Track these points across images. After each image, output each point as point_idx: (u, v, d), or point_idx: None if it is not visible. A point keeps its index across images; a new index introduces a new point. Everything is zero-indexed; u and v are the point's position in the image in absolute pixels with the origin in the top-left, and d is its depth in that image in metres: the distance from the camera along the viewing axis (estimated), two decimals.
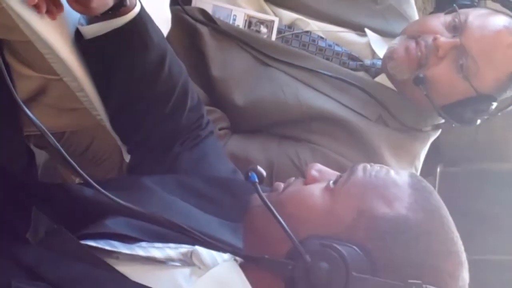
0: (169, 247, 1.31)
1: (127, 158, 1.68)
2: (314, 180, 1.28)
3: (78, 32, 1.47)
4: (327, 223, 1.19)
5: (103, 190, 1.24)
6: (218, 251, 1.28)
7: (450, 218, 1.22)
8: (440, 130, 2.17)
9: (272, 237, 1.21)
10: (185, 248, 1.31)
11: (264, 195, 1.20)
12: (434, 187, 1.24)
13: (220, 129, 2.04)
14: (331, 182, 1.25)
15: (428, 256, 1.16)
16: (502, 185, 3.77)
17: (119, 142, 1.66)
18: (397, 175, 1.24)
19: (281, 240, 1.17)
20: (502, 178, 3.83)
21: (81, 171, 1.22)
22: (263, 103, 2.05)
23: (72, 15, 1.41)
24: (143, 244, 1.32)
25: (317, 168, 1.30)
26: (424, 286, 1.12)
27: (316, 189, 1.25)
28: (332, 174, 1.29)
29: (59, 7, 1.35)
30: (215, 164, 1.65)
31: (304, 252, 1.15)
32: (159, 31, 1.54)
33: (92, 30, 1.45)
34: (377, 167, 1.26)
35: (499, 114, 2.08)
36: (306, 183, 1.29)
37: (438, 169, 4.02)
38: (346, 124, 2.04)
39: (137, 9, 1.45)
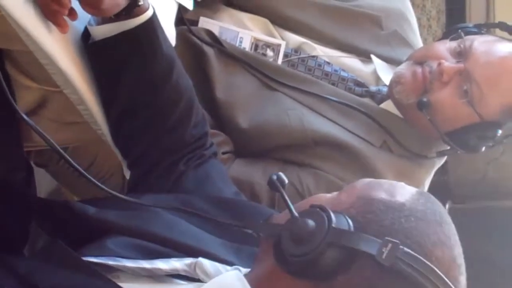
0: (173, 260, 1.31)
1: (127, 174, 1.66)
2: None
3: (87, 33, 1.47)
4: (327, 205, 1.19)
5: (116, 193, 1.27)
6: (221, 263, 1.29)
7: (452, 226, 1.20)
8: (445, 157, 2.15)
9: None
10: (189, 260, 1.30)
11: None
12: None
13: (223, 153, 2.03)
14: None
15: (416, 234, 1.14)
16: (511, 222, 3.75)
17: (120, 157, 1.65)
18: (408, 186, 1.24)
19: None
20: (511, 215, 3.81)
21: (84, 172, 1.24)
22: (267, 126, 2.04)
23: (81, 18, 1.40)
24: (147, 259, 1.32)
25: None
26: (401, 247, 1.09)
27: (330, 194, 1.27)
28: None
29: (73, 15, 1.35)
30: (219, 186, 1.63)
31: (292, 208, 1.16)
32: (168, 41, 1.54)
33: (102, 31, 1.45)
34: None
35: (504, 141, 2.06)
36: None
37: (447, 206, 4.01)
38: (350, 149, 2.03)
39: (149, 12, 1.45)
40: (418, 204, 1.18)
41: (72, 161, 1.22)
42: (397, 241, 1.10)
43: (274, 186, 1.24)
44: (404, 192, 1.20)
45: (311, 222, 1.13)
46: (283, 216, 1.21)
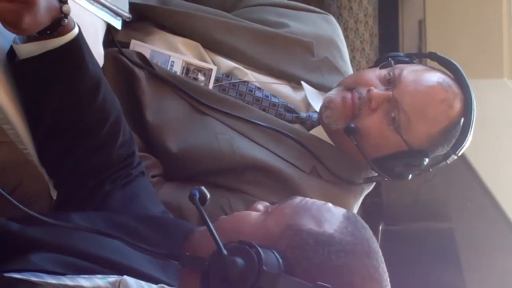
0: (96, 277, 1.30)
1: (54, 194, 1.65)
2: (258, 211, 1.31)
3: (13, 51, 1.45)
4: (255, 234, 1.21)
5: (36, 214, 1.24)
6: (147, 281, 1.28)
7: (380, 253, 1.23)
8: (373, 184, 2.17)
9: (205, 250, 1.20)
10: (113, 278, 1.30)
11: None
12: None
13: (152, 177, 2.02)
14: (269, 208, 1.29)
15: (346, 272, 1.17)
16: (442, 244, 3.79)
17: (46, 177, 1.63)
18: (334, 207, 1.27)
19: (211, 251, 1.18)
20: (442, 237, 3.85)
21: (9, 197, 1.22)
22: (197, 150, 2.03)
23: (5, 35, 1.39)
24: (69, 276, 1.30)
25: (265, 204, 1.34)
26: None
27: (255, 213, 1.29)
28: None
29: None
30: (146, 204, 1.63)
31: (221, 246, 1.15)
32: (95, 60, 1.54)
33: (27, 50, 1.44)
34: (315, 199, 1.29)
35: (430, 170, 2.08)
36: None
37: (380, 228, 4.04)
38: (279, 175, 2.04)
39: (75, 31, 1.44)
40: (346, 234, 1.20)
41: None
42: (329, 286, 1.12)
43: (193, 203, 1.24)
44: (331, 219, 1.22)
45: (240, 262, 1.13)
46: (207, 243, 1.19)
